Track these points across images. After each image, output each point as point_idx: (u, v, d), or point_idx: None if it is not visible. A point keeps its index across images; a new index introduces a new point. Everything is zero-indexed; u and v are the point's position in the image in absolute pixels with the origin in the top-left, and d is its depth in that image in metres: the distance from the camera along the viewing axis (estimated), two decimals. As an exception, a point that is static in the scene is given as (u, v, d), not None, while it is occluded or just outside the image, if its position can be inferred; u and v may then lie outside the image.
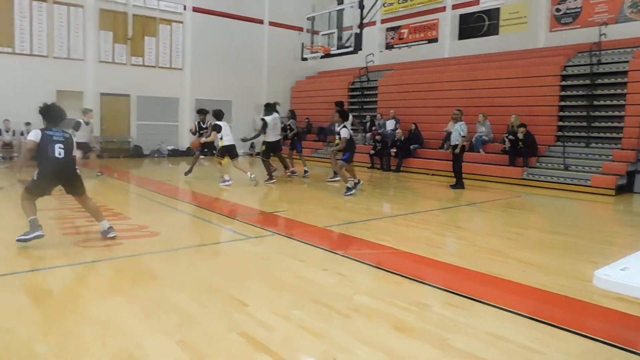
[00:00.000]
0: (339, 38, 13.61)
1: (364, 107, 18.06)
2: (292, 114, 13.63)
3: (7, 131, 14.46)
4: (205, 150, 11.56)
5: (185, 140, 18.43)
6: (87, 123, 10.67)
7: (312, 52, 14.24)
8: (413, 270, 4.53)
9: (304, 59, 14.69)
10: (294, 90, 21.26)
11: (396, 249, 5.29)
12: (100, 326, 3.14)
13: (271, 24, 20.26)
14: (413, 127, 14.54)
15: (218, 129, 10.20)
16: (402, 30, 18.83)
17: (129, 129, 17.23)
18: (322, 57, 14.06)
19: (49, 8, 15.25)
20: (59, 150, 5.06)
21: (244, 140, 11.53)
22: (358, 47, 12.81)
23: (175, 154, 17.65)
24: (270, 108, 10.91)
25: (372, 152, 14.70)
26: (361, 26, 12.74)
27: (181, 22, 17.96)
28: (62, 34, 15.53)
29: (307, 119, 18.76)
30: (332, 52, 13.59)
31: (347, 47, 13.24)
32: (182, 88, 18.21)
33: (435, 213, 7.93)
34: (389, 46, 19.39)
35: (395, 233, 6.19)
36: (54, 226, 6.03)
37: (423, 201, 9.47)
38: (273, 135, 10.75)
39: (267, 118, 10.66)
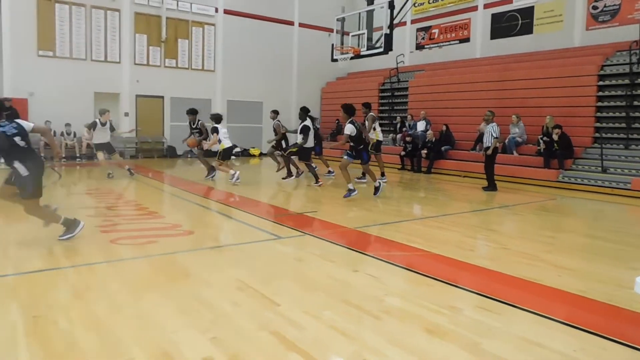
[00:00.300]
0: (369, 39, 13.58)
1: (395, 108, 17.96)
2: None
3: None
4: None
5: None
6: (103, 124, 10.57)
7: (342, 53, 14.26)
8: (444, 273, 4.49)
9: (334, 60, 14.72)
10: (324, 92, 21.32)
11: (427, 251, 5.25)
12: (135, 322, 3.23)
13: (301, 25, 20.39)
14: (444, 128, 14.39)
15: (217, 131, 10.34)
16: (433, 31, 18.64)
17: (162, 130, 17.63)
18: (352, 58, 14.05)
19: (88, 13, 15.75)
20: (20, 142, 4.87)
21: (296, 145, 11.07)
22: (388, 47, 12.76)
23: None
24: (306, 112, 10.89)
25: (403, 153, 14.60)
26: (391, 27, 12.68)
27: (213, 25, 18.26)
28: (100, 37, 16.02)
29: (337, 120, 18.77)
30: (362, 53, 13.56)
31: (377, 48, 13.20)
32: (213, 89, 18.53)
33: (466, 215, 7.82)
34: (419, 46, 19.22)
35: (427, 235, 6.14)
36: (92, 223, 6.22)
37: (454, 203, 9.35)
38: (310, 142, 10.76)
39: (309, 123, 10.67)
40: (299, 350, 2.84)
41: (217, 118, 10.64)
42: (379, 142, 11.39)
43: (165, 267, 4.59)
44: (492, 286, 4.17)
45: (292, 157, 11.04)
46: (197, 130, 11.40)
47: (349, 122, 8.63)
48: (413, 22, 19.15)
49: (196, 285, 4.01)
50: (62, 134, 15.11)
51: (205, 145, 11.07)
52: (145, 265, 4.66)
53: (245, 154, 18.67)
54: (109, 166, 11.13)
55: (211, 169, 11.24)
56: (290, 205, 8.73)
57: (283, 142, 11.81)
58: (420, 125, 15.14)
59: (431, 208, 8.82)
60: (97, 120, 10.58)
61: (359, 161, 9.02)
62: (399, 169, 14.58)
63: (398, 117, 16.71)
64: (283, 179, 11.06)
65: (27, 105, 14.70)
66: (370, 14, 13.58)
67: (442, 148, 14.04)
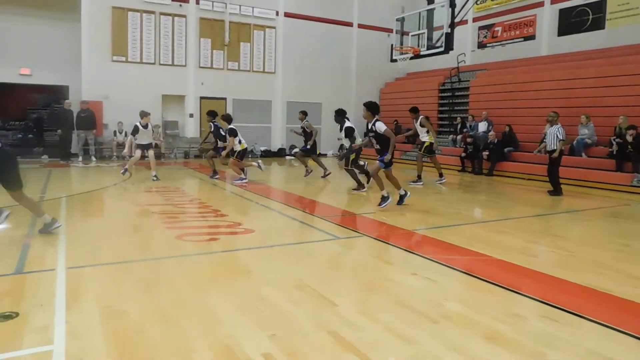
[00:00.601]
0: (429, 38, 13.39)
1: (455, 108, 17.57)
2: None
3: (120, 132, 15.86)
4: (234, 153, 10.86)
5: (277, 141, 19.10)
6: (145, 126, 10.67)
7: (401, 54, 14.16)
8: (506, 279, 4.35)
9: (394, 61, 14.62)
10: (383, 92, 21.19)
11: (488, 256, 5.11)
12: (199, 316, 3.36)
13: (360, 26, 20.38)
14: (507, 129, 13.90)
15: (235, 133, 10.38)
16: (496, 28, 18.05)
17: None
18: (411, 58, 13.91)
19: (157, 19, 16.55)
20: None
21: (350, 149, 10.52)
22: (449, 47, 12.52)
23: (267, 154, 18.32)
24: (343, 115, 10.26)
25: (463, 154, 14.26)
26: (452, 25, 12.44)
27: (274, 28, 18.64)
28: (167, 42, 16.80)
29: (396, 120, 18.61)
30: (422, 53, 13.40)
31: (437, 48, 13.00)
32: (274, 91, 18.92)
33: (530, 220, 7.53)
34: (481, 45, 18.68)
35: (488, 239, 5.97)
36: (158, 220, 6.55)
37: (517, 207, 9.03)
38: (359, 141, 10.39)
39: (351, 124, 9.99)
40: (356, 352, 2.86)
41: (230, 119, 10.72)
42: (431, 144, 11.17)
43: (227, 264, 4.75)
44: (557, 295, 4.00)
45: (354, 167, 9.98)
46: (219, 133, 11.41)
47: (378, 121, 7.93)
48: (475, 20, 18.64)
49: (256, 283, 4.13)
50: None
51: (226, 150, 10.78)
52: (207, 261, 4.85)
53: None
54: (153, 167, 10.97)
55: (214, 173, 11.52)
56: (349, 206, 8.75)
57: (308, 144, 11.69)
58: (482, 126, 14.72)
59: (492, 211, 8.55)
60: (138, 124, 10.65)
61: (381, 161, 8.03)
62: (459, 170, 14.25)
63: (458, 118, 16.33)
64: (353, 190, 9.83)
65: (102, 108, 15.68)
66: (430, 13, 13.39)
67: (505, 149, 13.58)
